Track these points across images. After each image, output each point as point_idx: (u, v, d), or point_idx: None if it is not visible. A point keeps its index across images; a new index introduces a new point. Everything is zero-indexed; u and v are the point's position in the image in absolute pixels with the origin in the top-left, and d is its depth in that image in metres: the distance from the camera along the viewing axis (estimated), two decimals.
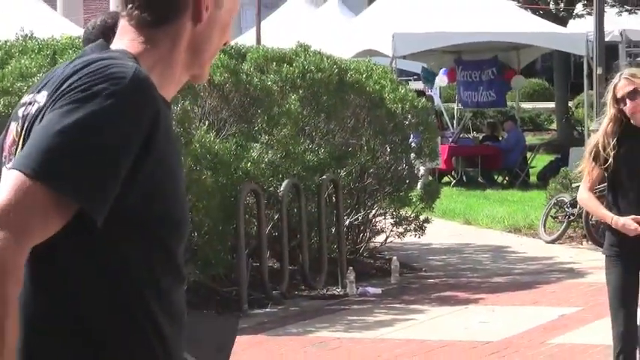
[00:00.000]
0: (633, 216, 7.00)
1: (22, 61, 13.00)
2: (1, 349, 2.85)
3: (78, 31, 22.90)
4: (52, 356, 2.99)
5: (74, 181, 2.78)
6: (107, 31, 5.55)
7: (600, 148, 7.09)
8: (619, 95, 6.94)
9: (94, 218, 2.76)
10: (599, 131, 7.32)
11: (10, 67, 12.83)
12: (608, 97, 7.13)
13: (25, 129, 3.00)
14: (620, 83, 6.95)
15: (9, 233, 2.74)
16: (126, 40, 3.01)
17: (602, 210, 7.35)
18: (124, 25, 3.03)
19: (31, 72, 12.62)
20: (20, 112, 3.07)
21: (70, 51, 13.34)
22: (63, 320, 2.95)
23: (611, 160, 7.03)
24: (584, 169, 7.35)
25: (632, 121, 7.03)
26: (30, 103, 3.02)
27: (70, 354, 2.96)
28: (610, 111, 7.05)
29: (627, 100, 6.87)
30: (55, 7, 43.64)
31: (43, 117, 2.90)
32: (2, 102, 11.98)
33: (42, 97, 2.96)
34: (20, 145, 2.98)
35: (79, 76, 2.86)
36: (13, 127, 3.12)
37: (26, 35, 14.45)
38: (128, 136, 2.81)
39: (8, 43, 13.99)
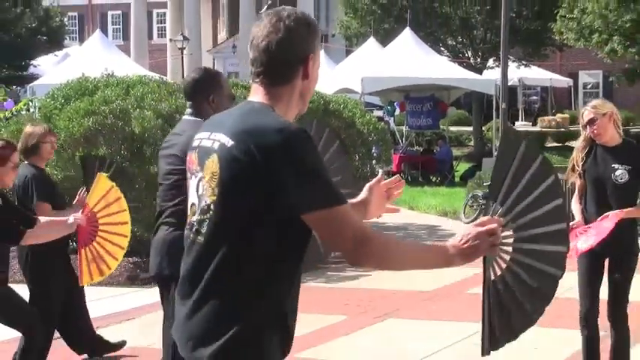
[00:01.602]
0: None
1: (106, 91, 12.91)
2: (408, 259, 3.13)
3: (144, 72, 22.89)
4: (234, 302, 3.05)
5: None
6: (195, 85, 5.77)
7: (574, 162, 6.69)
8: (584, 122, 6.56)
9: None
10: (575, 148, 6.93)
11: (97, 96, 12.73)
12: (580, 123, 6.73)
13: (217, 161, 3.06)
14: (584, 113, 6.57)
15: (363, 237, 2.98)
16: (260, 95, 3.15)
17: (576, 215, 6.69)
18: (255, 87, 3.18)
19: (111, 99, 12.50)
20: (201, 143, 3.19)
21: (139, 85, 13.31)
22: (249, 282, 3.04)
23: (580, 171, 6.63)
24: (574, 182, 6.75)
25: (596, 141, 6.60)
26: (210, 139, 3.13)
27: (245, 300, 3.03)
28: (582, 132, 6.65)
29: (588, 126, 6.52)
30: (129, 54, 43.41)
31: (234, 153, 2.99)
32: (92, 120, 11.81)
33: (223, 137, 3.06)
34: (216, 172, 3.06)
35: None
36: (197, 153, 3.22)
37: (108, 74, 14.53)
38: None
39: (96, 79, 13.90)
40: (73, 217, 6.67)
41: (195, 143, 3.25)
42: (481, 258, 3.19)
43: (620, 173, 6.39)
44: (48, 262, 7.46)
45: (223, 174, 3.03)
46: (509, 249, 3.21)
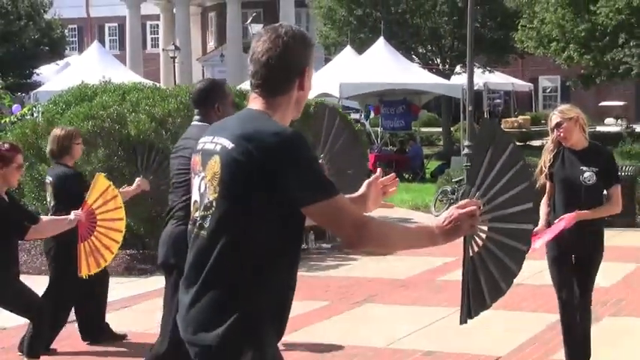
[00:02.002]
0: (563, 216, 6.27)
1: (104, 97, 12.80)
2: (400, 239, 3.24)
3: (139, 79, 22.81)
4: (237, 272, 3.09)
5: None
6: (202, 94, 5.78)
7: (542, 164, 6.54)
8: (551, 125, 6.40)
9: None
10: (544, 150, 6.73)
11: (95, 101, 12.64)
12: (549, 126, 6.56)
13: (219, 162, 3.12)
14: (552, 117, 6.44)
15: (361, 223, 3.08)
16: (259, 104, 3.20)
17: (541, 218, 6.53)
18: (255, 96, 3.22)
19: (109, 105, 12.38)
20: (205, 147, 3.24)
21: (134, 91, 13.20)
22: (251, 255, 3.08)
23: (547, 172, 6.50)
24: (544, 183, 6.54)
25: (563, 144, 6.44)
26: (213, 143, 3.18)
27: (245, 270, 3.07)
28: (551, 135, 6.49)
29: (555, 130, 6.37)
30: (125, 63, 43.28)
31: (234, 155, 3.05)
32: (91, 123, 11.72)
33: (224, 141, 3.11)
34: (218, 172, 3.12)
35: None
36: (201, 155, 3.25)
37: (106, 81, 14.43)
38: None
39: (95, 86, 13.79)
40: (74, 214, 6.77)
41: (199, 146, 3.29)
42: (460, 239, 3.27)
43: (589, 175, 6.30)
44: (73, 254, 7.41)
45: (224, 174, 3.08)
46: (485, 228, 3.28)
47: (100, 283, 8.04)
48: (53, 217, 7.16)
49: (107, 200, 7.14)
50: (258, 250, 3.06)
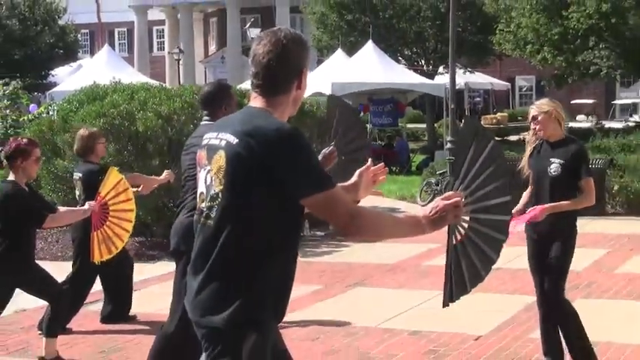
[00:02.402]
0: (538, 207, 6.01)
1: (114, 96, 12.83)
2: (393, 227, 3.22)
3: (146, 80, 22.77)
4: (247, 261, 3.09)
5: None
6: (210, 96, 5.77)
7: (525, 156, 6.31)
8: (530, 118, 6.17)
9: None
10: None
11: (106, 101, 12.66)
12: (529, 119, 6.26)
13: (224, 156, 3.12)
14: (531, 110, 6.19)
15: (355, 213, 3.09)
16: (260, 102, 3.19)
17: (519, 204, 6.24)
18: (255, 95, 3.22)
19: (119, 103, 12.41)
20: (210, 142, 3.24)
21: (142, 91, 13.23)
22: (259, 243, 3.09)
23: (525, 163, 6.25)
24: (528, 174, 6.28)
25: (540, 136, 6.15)
26: (218, 138, 3.18)
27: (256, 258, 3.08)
28: (531, 127, 6.21)
29: (532, 123, 6.13)
30: (133, 65, 43.17)
31: (238, 149, 3.05)
32: (102, 120, 11.71)
33: (229, 137, 3.11)
34: (223, 166, 3.12)
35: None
36: (207, 151, 3.26)
37: (116, 82, 14.43)
38: None
39: (105, 86, 13.83)
40: (88, 205, 6.79)
41: (204, 142, 3.29)
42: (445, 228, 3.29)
43: (555, 167, 6.04)
44: None
45: (229, 167, 3.08)
46: (467, 218, 3.29)
47: (130, 268, 8.27)
48: (69, 207, 7.20)
49: (119, 192, 7.17)
50: (260, 240, 3.06)
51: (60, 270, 7.86)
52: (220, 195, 3.12)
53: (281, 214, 3.05)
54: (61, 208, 7.09)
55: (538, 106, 6.19)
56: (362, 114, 30.50)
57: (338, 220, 3.05)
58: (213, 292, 3.09)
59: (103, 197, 7.01)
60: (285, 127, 3.06)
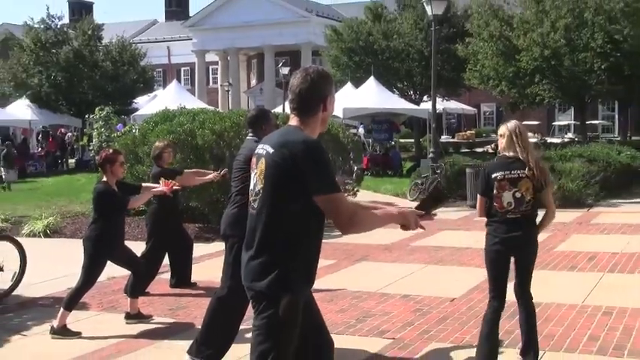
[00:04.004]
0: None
1: (180, 118, 12.88)
2: (378, 222, 3.18)
3: (204, 105, 22.83)
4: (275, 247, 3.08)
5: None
6: (254, 119, 5.69)
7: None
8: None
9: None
10: None
11: (174, 121, 12.71)
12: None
13: (264, 162, 3.11)
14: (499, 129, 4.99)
15: (352, 213, 3.06)
16: (295, 121, 3.16)
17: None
18: (292, 116, 3.18)
19: (184, 123, 12.43)
20: (257, 152, 3.23)
21: (201, 114, 13.20)
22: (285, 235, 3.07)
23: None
24: None
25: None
26: (262, 149, 3.18)
27: (284, 246, 3.07)
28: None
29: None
30: (195, 94, 43.28)
31: (275, 158, 3.04)
32: (171, 136, 11.68)
33: (268, 148, 3.11)
34: (263, 169, 3.11)
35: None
36: (255, 158, 3.24)
37: (182, 107, 14.44)
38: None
39: (174, 111, 13.84)
40: (162, 182, 6.87)
41: (256, 152, 3.28)
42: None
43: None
44: (164, 225, 7.89)
45: (267, 171, 3.09)
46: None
47: (190, 247, 8.35)
48: (147, 184, 7.23)
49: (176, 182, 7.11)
50: (292, 226, 3.06)
51: (139, 248, 7.87)
52: (262, 191, 3.13)
53: (308, 206, 3.03)
54: (144, 184, 7.23)
55: (501, 126, 5.18)
56: (361, 130, 30.58)
57: (340, 217, 3.02)
58: (258, 264, 3.09)
59: (168, 183, 6.91)
60: (310, 140, 3.03)
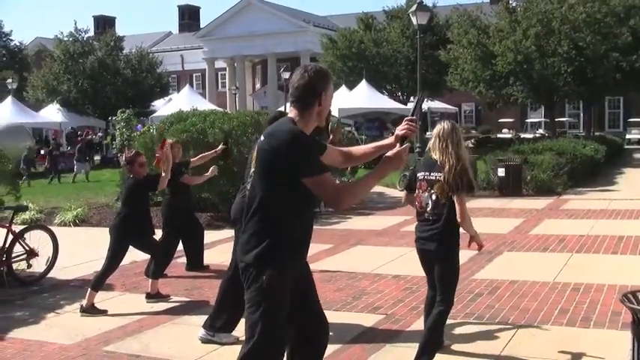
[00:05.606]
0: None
1: (192, 119, 12.78)
2: (363, 188, 3.10)
3: (214, 107, 22.69)
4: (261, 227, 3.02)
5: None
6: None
7: None
8: None
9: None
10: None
11: (188, 121, 12.62)
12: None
13: (257, 149, 3.11)
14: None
15: (338, 189, 2.98)
16: (292, 113, 3.10)
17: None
18: (291, 108, 3.11)
19: (196, 123, 12.36)
20: (257, 141, 3.19)
21: (211, 115, 13.10)
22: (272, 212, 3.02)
23: None
24: None
25: None
26: (259, 140, 3.14)
27: (268, 226, 3.01)
28: None
29: None
30: (206, 97, 43.19)
31: (263, 145, 3.02)
32: (185, 135, 11.69)
33: (262, 137, 3.11)
34: (256, 155, 3.11)
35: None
36: (255, 146, 3.24)
37: (194, 109, 14.34)
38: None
39: (187, 112, 13.71)
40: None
41: (257, 141, 3.28)
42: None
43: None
44: (180, 216, 7.90)
45: (258, 157, 3.10)
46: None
47: (202, 233, 8.32)
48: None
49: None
50: (279, 204, 3.01)
51: (157, 235, 7.83)
52: (253, 174, 3.16)
53: (294, 188, 2.98)
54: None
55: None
56: (356, 127, 30.54)
57: (326, 194, 2.96)
58: (248, 238, 3.07)
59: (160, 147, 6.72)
60: (294, 129, 2.98)
